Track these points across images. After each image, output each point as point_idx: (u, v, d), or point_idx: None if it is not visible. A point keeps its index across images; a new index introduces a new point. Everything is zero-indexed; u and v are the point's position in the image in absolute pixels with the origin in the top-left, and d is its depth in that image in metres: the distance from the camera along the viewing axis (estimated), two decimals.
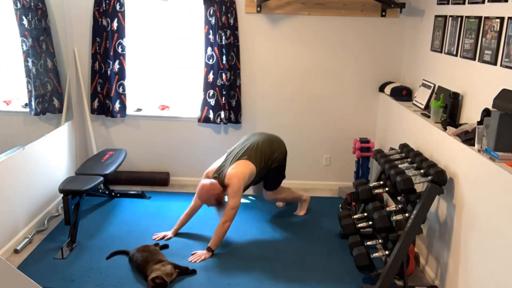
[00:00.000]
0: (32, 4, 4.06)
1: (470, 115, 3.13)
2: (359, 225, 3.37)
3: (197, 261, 3.38)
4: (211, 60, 4.51)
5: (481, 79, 3.00)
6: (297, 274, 3.30)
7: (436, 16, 3.75)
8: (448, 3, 3.55)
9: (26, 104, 4.32)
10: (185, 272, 3.23)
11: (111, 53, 4.49)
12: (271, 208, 4.37)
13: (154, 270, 3.10)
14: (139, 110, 4.83)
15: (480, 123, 2.69)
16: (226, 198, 3.58)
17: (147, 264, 3.18)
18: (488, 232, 2.48)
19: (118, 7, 4.39)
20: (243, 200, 4.50)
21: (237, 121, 4.67)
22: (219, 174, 3.58)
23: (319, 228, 3.99)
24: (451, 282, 2.92)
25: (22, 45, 4.06)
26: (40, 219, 3.90)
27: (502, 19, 2.75)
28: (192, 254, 3.46)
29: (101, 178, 3.80)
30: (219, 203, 3.53)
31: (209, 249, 3.47)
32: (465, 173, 2.77)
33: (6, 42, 4.22)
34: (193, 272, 3.26)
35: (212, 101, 4.61)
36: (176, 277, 3.18)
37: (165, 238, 3.68)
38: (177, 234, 3.78)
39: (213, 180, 3.53)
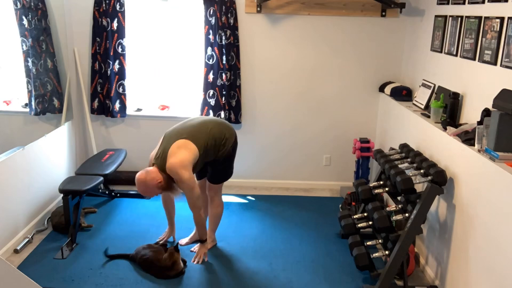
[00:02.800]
0: (32, 4, 4.06)
1: (470, 115, 3.13)
2: (359, 225, 3.37)
3: (200, 262, 3.37)
4: (211, 60, 4.51)
5: (481, 79, 3.00)
6: (297, 274, 3.30)
7: (436, 16, 3.75)
8: (448, 3, 3.55)
9: (26, 104, 4.32)
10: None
11: (111, 53, 4.49)
12: (271, 208, 4.37)
13: (178, 259, 3.23)
14: (139, 110, 4.83)
15: (480, 123, 2.69)
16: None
17: (160, 254, 3.26)
18: (488, 232, 2.48)
19: (118, 7, 4.39)
20: (241, 200, 4.51)
21: (237, 121, 4.67)
22: (159, 157, 3.10)
23: (319, 228, 3.99)
24: (451, 282, 2.92)
25: (22, 45, 4.06)
26: (40, 219, 3.90)
27: (502, 19, 2.75)
28: (192, 251, 3.47)
29: (101, 178, 3.80)
30: (167, 188, 3.10)
31: (201, 242, 3.40)
32: (465, 173, 2.78)
33: (6, 42, 4.22)
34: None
35: (212, 101, 4.61)
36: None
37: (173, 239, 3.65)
38: (177, 234, 3.76)
39: (148, 168, 3.10)
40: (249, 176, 4.74)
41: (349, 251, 3.33)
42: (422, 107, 3.79)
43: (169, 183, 3.10)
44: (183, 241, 3.65)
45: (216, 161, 3.31)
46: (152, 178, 3.03)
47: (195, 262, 3.37)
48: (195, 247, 3.48)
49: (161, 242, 3.61)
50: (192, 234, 3.66)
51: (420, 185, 3.35)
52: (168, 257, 3.21)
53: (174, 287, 3.12)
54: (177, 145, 3.05)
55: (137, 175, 3.08)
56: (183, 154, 3.02)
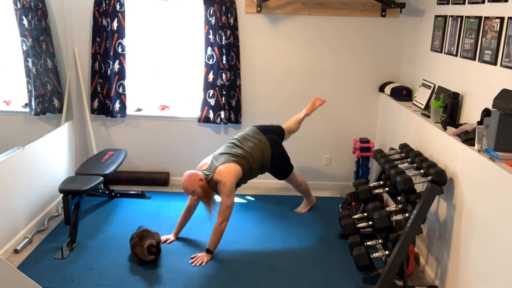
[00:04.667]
0: (32, 4, 4.06)
1: (470, 115, 3.13)
2: (359, 225, 3.37)
3: (197, 265, 3.37)
4: (211, 60, 4.51)
5: (481, 79, 3.00)
6: (297, 274, 3.30)
7: (436, 16, 3.75)
8: (448, 3, 3.55)
9: (26, 104, 4.32)
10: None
11: (111, 53, 4.49)
12: (270, 208, 4.37)
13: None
14: (139, 110, 4.83)
15: (480, 123, 2.69)
16: (219, 198, 3.56)
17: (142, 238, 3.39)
18: (488, 232, 2.48)
19: (118, 7, 4.39)
20: (241, 200, 4.51)
21: (237, 121, 4.67)
22: (209, 170, 3.54)
23: (319, 228, 3.99)
24: (451, 282, 2.92)
25: (22, 45, 4.06)
26: (40, 219, 3.90)
27: (502, 19, 2.75)
28: (192, 257, 3.46)
29: (101, 178, 3.80)
30: (206, 194, 3.46)
31: (208, 251, 3.46)
32: (465, 173, 2.78)
33: (6, 42, 4.22)
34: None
35: (212, 101, 4.61)
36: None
37: (167, 242, 3.65)
38: (178, 241, 3.77)
39: (196, 171, 3.52)
40: None
41: (349, 251, 3.33)
42: (422, 107, 3.79)
43: (208, 190, 3.48)
44: (300, 210, 4.29)
45: (269, 167, 3.91)
46: (197, 175, 3.44)
47: (192, 264, 3.37)
48: (198, 254, 3.48)
49: (162, 242, 3.62)
50: (303, 204, 4.33)
51: (420, 185, 3.35)
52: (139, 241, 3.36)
53: (174, 287, 3.12)
54: (227, 164, 3.51)
55: (186, 172, 3.48)
56: (233, 167, 3.51)
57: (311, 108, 4.20)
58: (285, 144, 4.79)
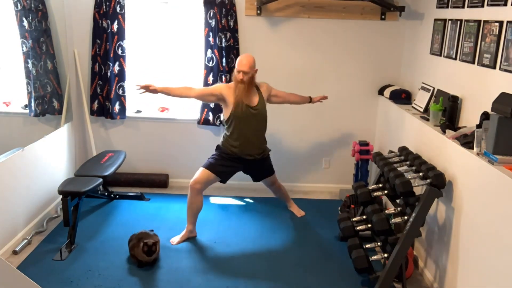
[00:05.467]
0: (32, 5, 4.07)
1: (469, 119, 3.14)
2: (358, 228, 3.37)
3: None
4: (211, 62, 4.52)
5: (480, 82, 3.01)
6: (296, 277, 3.30)
7: (436, 20, 3.76)
8: (447, 7, 3.57)
9: (26, 106, 4.32)
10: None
11: (111, 55, 4.50)
12: (270, 210, 4.37)
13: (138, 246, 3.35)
14: (138, 112, 4.83)
15: (479, 126, 2.70)
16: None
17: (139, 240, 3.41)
18: (487, 235, 2.49)
19: (118, 9, 4.40)
20: (240, 202, 4.52)
21: None
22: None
23: (318, 231, 3.99)
24: (450, 285, 2.92)
25: (22, 47, 4.06)
26: (39, 220, 3.89)
27: (501, 23, 2.76)
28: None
29: (100, 180, 3.80)
30: (250, 82, 3.74)
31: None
32: (464, 176, 2.78)
33: (6, 44, 4.23)
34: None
35: (211, 103, 4.61)
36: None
37: (150, 88, 3.75)
38: (172, 234, 3.79)
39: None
40: (248, 178, 4.74)
41: (348, 253, 3.33)
42: (421, 110, 3.80)
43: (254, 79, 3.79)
44: (174, 240, 3.72)
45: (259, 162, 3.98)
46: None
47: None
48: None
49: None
50: (182, 233, 3.77)
51: (419, 188, 3.35)
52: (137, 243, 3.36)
53: (174, 287, 3.13)
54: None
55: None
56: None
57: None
58: (285, 144, 4.80)
